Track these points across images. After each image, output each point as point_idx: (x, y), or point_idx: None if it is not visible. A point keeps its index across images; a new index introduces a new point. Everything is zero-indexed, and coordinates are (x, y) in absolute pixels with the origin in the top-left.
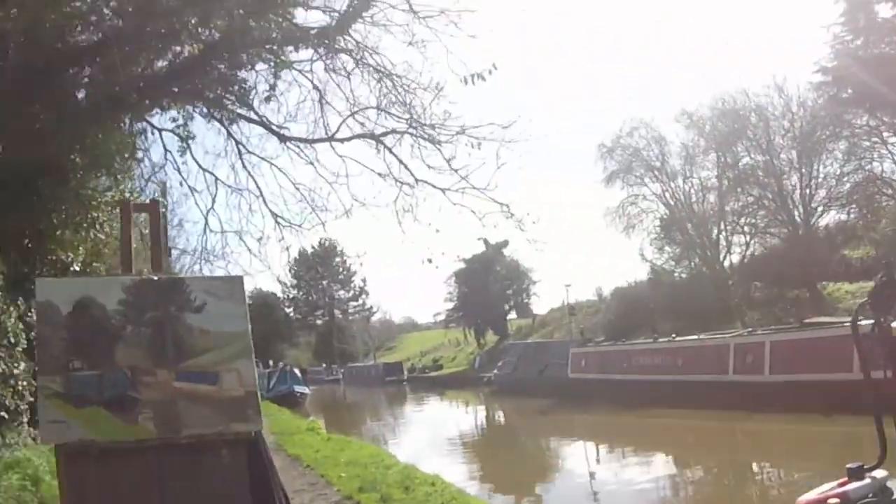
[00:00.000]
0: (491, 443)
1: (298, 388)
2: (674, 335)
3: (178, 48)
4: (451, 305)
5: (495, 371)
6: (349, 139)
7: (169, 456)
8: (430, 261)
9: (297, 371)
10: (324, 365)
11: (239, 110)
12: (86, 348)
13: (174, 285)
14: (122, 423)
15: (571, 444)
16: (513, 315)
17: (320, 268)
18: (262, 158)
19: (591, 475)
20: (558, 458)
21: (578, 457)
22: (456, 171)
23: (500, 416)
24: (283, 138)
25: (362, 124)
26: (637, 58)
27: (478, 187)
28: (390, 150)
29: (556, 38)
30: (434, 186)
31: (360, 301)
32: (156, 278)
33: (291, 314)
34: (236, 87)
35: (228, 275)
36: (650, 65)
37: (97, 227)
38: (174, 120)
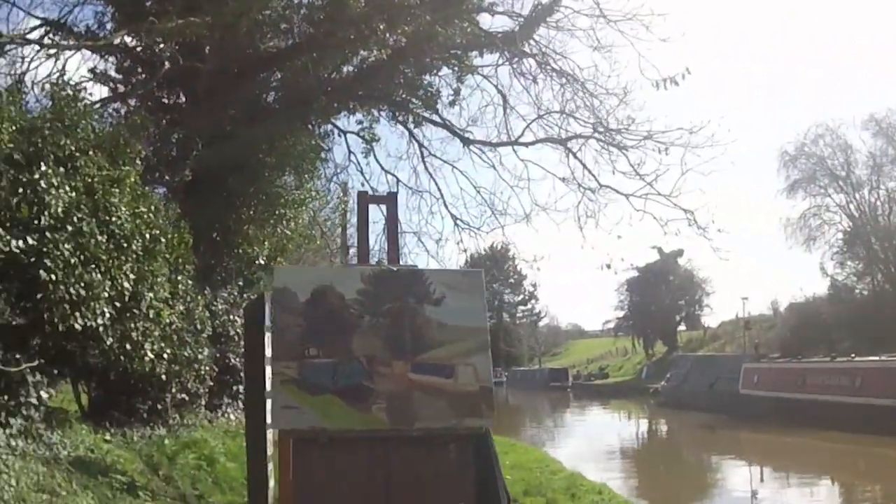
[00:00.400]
0: (652, 456)
1: None
2: (853, 355)
3: (366, 53)
4: (621, 314)
5: (663, 383)
6: (533, 143)
7: (398, 447)
8: (608, 266)
9: None
10: None
11: (423, 113)
12: (322, 336)
13: (414, 277)
14: (355, 412)
15: (736, 463)
16: (682, 327)
17: (494, 270)
18: (445, 161)
19: (754, 495)
20: (721, 476)
21: (742, 476)
22: (641, 176)
23: (663, 430)
24: (466, 141)
25: (546, 129)
26: (823, 60)
27: (663, 193)
28: (574, 155)
29: (743, 39)
30: (617, 192)
31: (529, 305)
32: (395, 269)
33: None
34: (421, 91)
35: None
36: (836, 68)
37: (283, 223)
38: (359, 122)
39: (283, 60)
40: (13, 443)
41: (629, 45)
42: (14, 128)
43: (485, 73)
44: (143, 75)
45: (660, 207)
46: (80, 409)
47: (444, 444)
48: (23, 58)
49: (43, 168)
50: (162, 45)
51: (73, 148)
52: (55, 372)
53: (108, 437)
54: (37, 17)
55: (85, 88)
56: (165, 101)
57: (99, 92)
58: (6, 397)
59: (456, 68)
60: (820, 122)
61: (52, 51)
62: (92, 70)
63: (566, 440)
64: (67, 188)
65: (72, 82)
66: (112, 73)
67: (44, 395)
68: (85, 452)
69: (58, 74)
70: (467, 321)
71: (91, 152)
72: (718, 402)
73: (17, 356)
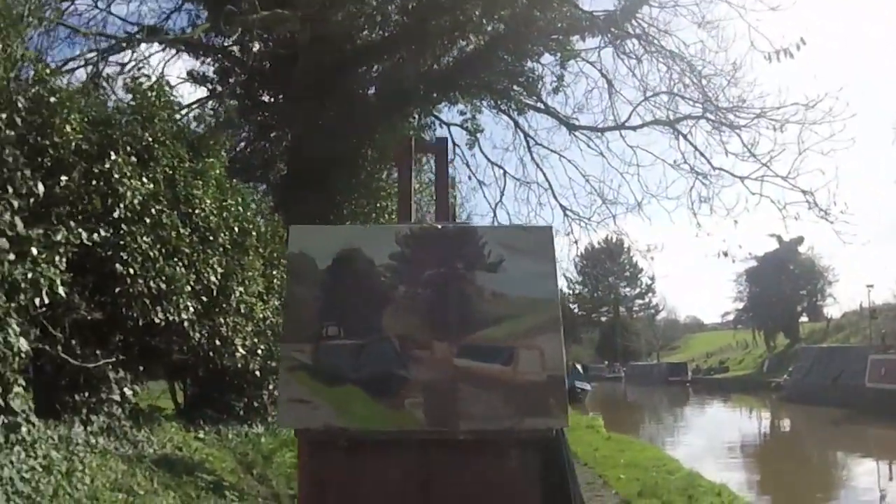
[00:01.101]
0: (775, 453)
1: (579, 384)
2: None
3: (464, 42)
4: (740, 305)
5: (785, 376)
6: (641, 126)
7: (439, 454)
8: (725, 254)
9: (578, 367)
10: (605, 362)
11: (527, 101)
12: (345, 311)
13: (463, 236)
14: (383, 408)
15: (863, 461)
16: (804, 318)
17: (609, 262)
18: (551, 150)
19: (882, 495)
20: (847, 474)
21: (870, 474)
22: (756, 157)
23: (786, 425)
24: (572, 127)
25: (653, 112)
26: None
27: (780, 175)
28: (685, 137)
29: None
30: (732, 174)
31: (647, 299)
32: (440, 227)
33: (576, 310)
34: (523, 78)
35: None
36: None
37: (385, 216)
38: (462, 114)
39: (380, 53)
40: (93, 440)
41: (737, 18)
42: (86, 120)
43: (587, 58)
44: (241, 76)
45: (777, 190)
46: (175, 407)
47: (503, 451)
48: (104, 57)
49: (113, 157)
50: (257, 45)
51: (150, 139)
52: (141, 369)
53: (201, 434)
54: (132, 24)
55: (168, 83)
56: (263, 98)
57: (196, 94)
58: (87, 394)
59: (558, 54)
60: None
61: (141, 49)
62: (190, 72)
63: (685, 437)
64: (145, 179)
65: (155, 76)
66: (210, 74)
67: (128, 391)
68: (172, 450)
69: (136, 65)
70: (532, 291)
71: (169, 143)
72: (844, 397)
73: (98, 352)
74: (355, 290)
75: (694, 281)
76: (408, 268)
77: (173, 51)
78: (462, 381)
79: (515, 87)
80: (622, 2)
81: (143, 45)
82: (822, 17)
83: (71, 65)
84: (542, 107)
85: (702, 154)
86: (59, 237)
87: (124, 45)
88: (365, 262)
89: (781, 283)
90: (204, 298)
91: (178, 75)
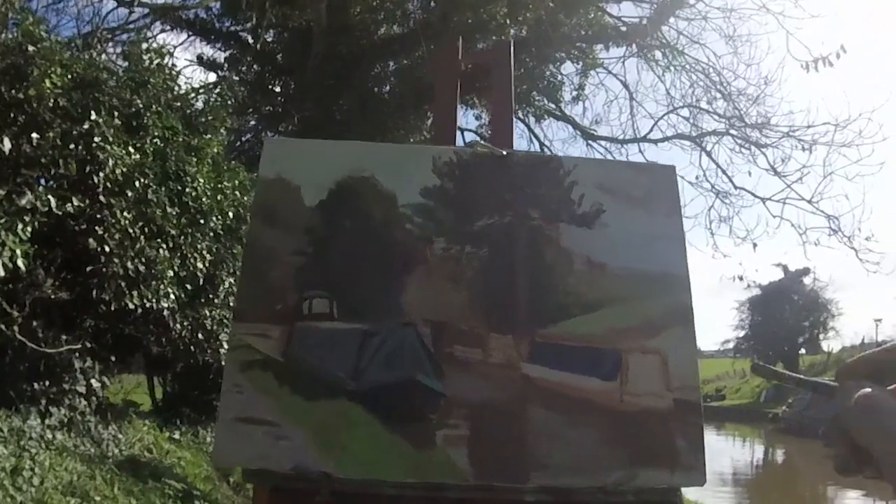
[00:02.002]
0: (765, 484)
1: None
2: None
3: (485, 43)
4: (741, 333)
5: (784, 408)
6: (663, 140)
7: None
8: (740, 278)
9: None
10: None
11: (546, 106)
12: (343, 276)
13: (541, 168)
14: (401, 443)
15: (858, 498)
16: (803, 350)
17: None
18: None
19: None
20: None
21: None
22: (781, 176)
23: (780, 457)
24: (590, 138)
25: (676, 126)
26: None
27: (804, 197)
28: (708, 154)
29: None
30: (753, 195)
31: None
32: (503, 153)
33: None
34: (543, 84)
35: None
36: None
37: None
38: (478, 118)
39: (398, 49)
40: (49, 435)
41: (768, 33)
42: (69, 76)
43: (609, 68)
44: (253, 63)
45: (798, 214)
46: (152, 404)
47: None
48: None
49: (94, 117)
50: (270, 34)
51: (140, 105)
52: (113, 359)
53: (176, 435)
54: (146, 5)
55: (169, 51)
56: (274, 88)
57: (208, 80)
58: (47, 383)
59: (579, 64)
60: None
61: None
62: (199, 56)
63: None
64: (131, 149)
65: (155, 45)
66: (220, 60)
67: (95, 383)
68: (140, 451)
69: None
70: (648, 260)
71: (163, 112)
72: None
73: (63, 337)
74: (362, 242)
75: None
76: (450, 212)
77: (184, 35)
78: (535, 403)
79: (534, 94)
80: (649, 12)
81: (154, 28)
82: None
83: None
84: (560, 114)
85: (724, 172)
86: (23, 202)
87: (131, 26)
88: (381, 199)
89: (784, 314)
90: (188, 286)
91: (187, 58)
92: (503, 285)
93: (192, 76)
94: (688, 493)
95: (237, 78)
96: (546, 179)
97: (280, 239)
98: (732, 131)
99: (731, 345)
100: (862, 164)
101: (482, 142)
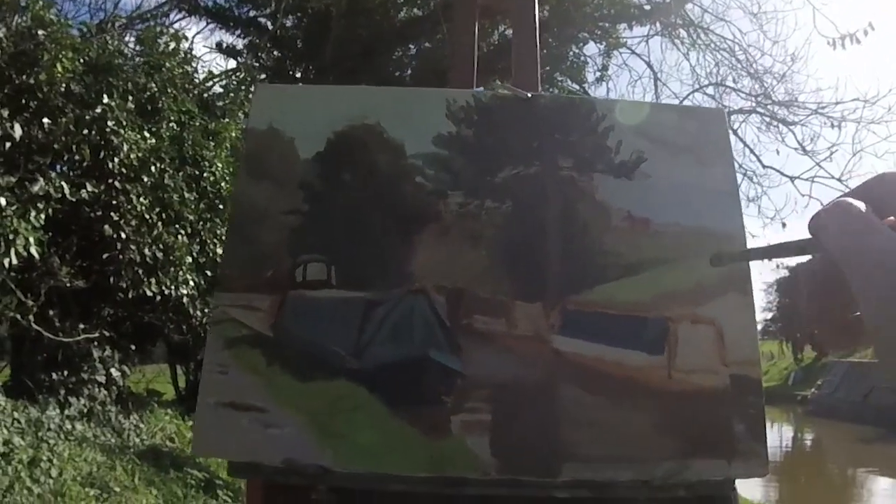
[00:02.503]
0: (795, 468)
1: None
2: None
3: (504, 26)
4: (768, 315)
5: (813, 390)
6: None
7: None
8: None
9: None
10: None
11: (570, 87)
12: (344, 237)
13: (570, 111)
14: (410, 430)
15: (890, 482)
16: None
17: None
18: None
19: None
20: (869, 494)
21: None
22: (810, 154)
23: (810, 440)
24: None
25: (701, 105)
26: None
27: (833, 176)
28: (735, 133)
29: None
30: (782, 174)
31: None
32: (528, 96)
33: None
34: (566, 65)
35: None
36: None
37: None
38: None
39: (418, 32)
40: (69, 426)
41: (795, 10)
42: (81, 60)
43: (633, 48)
44: (273, 50)
45: (827, 192)
46: (175, 393)
47: None
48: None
49: (107, 100)
50: (290, 20)
51: (155, 88)
52: (133, 347)
53: None
54: None
55: (185, 35)
56: (294, 74)
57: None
58: (66, 373)
59: (603, 43)
60: None
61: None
62: (218, 44)
63: None
64: (146, 133)
65: (170, 28)
66: (239, 47)
67: (115, 372)
68: (162, 441)
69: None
70: (697, 216)
71: (178, 95)
72: (876, 414)
73: (81, 326)
74: (365, 198)
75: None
76: (468, 162)
77: (203, 23)
78: (568, 381)
79: (557, 75)
80: None
81: (172, 15)
82: (887, 4)
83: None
84: (584, 95)
85: (752, 151)
86: (36, 188)
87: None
88: (387, 149)
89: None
90: (208, 273)
91: (207, 46)
92: (530, 245)
93: (213, 63)
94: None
95: (257, 64)
96: (578, 125)
97: (272, 196)
98: (759, 109)
99: (759, 327)
100: (891, 140)
101: (505, 84)
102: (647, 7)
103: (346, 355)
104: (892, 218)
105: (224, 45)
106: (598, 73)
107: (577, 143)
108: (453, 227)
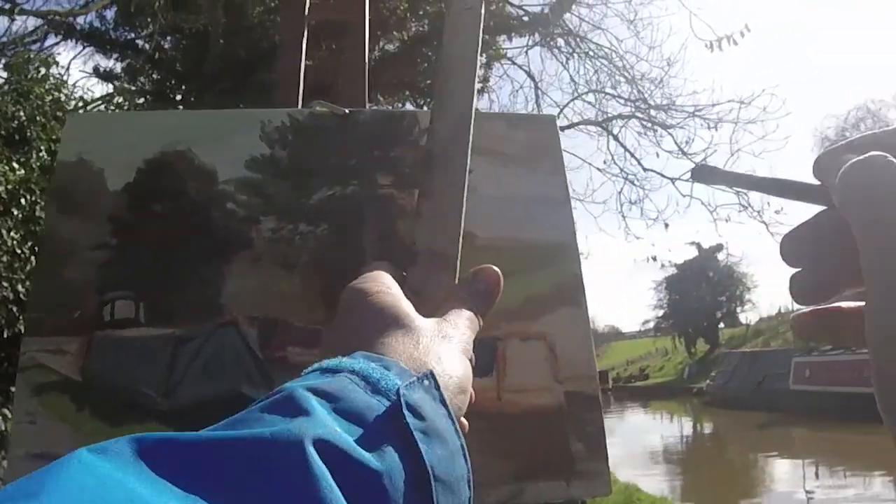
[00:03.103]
0: (696, 457)
1: None
2: None
3: (384, 42)
4: (660, 313)
5: (708, 381)
6: (569, 127)
7: None
8: (654, 258)
9: None
10: None
11: None
12: (153, 271)
13: (391, 126)
14: None
15: (789, 463)
16: (722, 325)
17: None
18: None
19: (809, 495)
20: (771, 477)
21: (795, 476)
22: (689, 156)
23: (708, 430)
24: None
25: (581, 114)
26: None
27: None
28: (615, 138)
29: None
30: (663, 176)
31: None
32: (346, 111)
33: None
34: None
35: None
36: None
37: None
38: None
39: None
40: None
41: (670, 15)
42: None
43: (514, 59)
44: (151, 72)
45: (708, 192)
46: None
47: None
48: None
49: None
50: (168, 41)
51: (24, 118)
52: (11, 389)
53: None
54: (28, 13)
55: (55, 59)
56: (174, 97)
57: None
58: None
59: (483, 56)
60: (861, 104)
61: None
62: (95, 68)
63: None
64: (15, 164)
65: (41, 55)
66: (117, 70)
67: None
68: None
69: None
70: (528, 228)
71: (48, 124)
72: (768, 400)
73: None
74: (175, 229)
75: (611, 290)
76: (282, 185)
77: (80, 46)
78: None
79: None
80: (551, 1)
81: (47, 40)
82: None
83: None
84: None
85: (632, 155)
86: None
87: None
88: (198, 176)
89: (701, 291)
90: None
91: (85, 71)
92: (346, 269)
93: (93, 89)
94: (621, 475)
95: (134, 88)
96: (399, 139)
97: (80, 230)
98: (638, 114)
99: (651, 325)
100: (767, 139)
101: (322, 101)
102: (526, 18)
103: (157, 396)
104: None
105: (101, 69)
106: (479, 86)
107: (399, 158)
108: (265, 253)
